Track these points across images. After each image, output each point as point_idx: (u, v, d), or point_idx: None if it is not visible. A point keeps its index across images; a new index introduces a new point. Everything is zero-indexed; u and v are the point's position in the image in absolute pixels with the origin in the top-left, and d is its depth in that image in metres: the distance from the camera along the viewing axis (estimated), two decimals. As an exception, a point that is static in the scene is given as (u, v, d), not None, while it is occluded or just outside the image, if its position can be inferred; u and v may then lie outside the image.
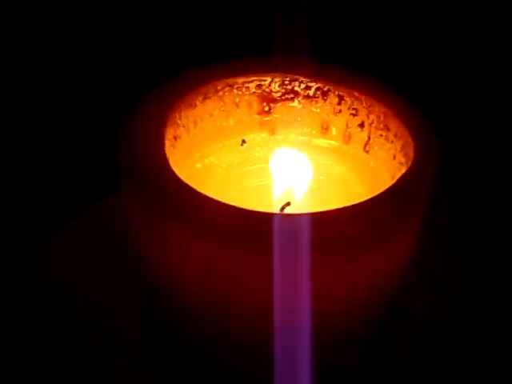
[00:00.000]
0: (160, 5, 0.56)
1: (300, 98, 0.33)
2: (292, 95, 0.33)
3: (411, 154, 0.28)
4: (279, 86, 0.33)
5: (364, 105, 0.32)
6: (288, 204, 0.30)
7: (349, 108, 0.32)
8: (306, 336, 0.25)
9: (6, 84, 0.53)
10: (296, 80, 0.32)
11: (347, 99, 0.32)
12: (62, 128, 0.53)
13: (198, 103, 0.31)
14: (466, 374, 0.36)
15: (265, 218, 0.24)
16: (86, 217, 0.44)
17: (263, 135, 0.34)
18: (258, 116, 0.33)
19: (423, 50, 0.57)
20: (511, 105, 0.54)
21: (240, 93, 0.32)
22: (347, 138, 0.33)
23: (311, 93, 0.33)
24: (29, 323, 0.38)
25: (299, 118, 0.33)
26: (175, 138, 0.30)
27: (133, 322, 0.36)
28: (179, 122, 0.30)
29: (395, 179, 0.27)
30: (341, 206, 0.25)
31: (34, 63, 0.54)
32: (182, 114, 0.30)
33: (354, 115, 0.32)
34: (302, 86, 0.33)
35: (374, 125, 0.31)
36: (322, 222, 0.24)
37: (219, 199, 0.24)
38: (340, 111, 0.32)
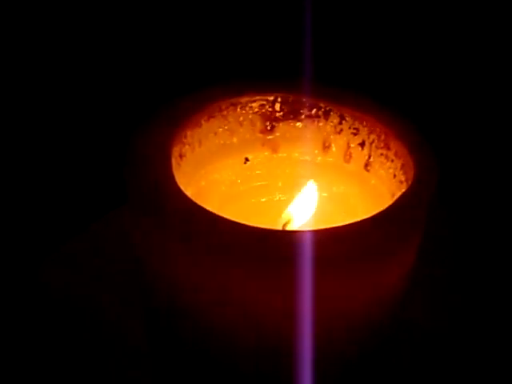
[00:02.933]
0: (168, 27, 0.57)
1: (302, 118, 0.33)
2: (294, 114, 0.33)
3: (411, 172, 0.29)
4: (282, 106, 0.33)
5: (365, 124, 0.32)
6: (290, 221, 0.31)
7: (350, 127, 0.33)
8: (309, 349, 0.25)
9: (17, 97, 0.54)
10: (298, 100, 0.33)
11: (348, 119, 0.33)
12: (71, 144, 0.53)
13: (202, 122, 0.32)
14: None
15: (270, 235, 0.24)
16: (93, 230, 0.44)
17: (266, 153, 0.34)
18: (260, 135, 0.34)
19: (422, 69, 0.58)
20: (508, 121, 0.55)
21: (244, 112, 0.33)
22: (348, 157, 0.33)
23: (313, 112, 0.33)
24: (33, 329, 0.38)
25: (301, 137, 0.34)
26: (181, 156, 0.31)
27: (135, 327, 0.37)
28: (185, 140, 0.31)
29: (395, 197, 0.28)
30: (342, 223, 0.26)
31: (44, 79, 0.55)
32: (188, 132, 0.31)
33: (355, 134, 0.33)
34: (305, 105, 0.33)
35: (374, 144, 0.32)
36: (324, 239, 0.25)
37: (225, 216, 0.25)
38: (341, 130, 0.33)
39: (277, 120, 0.34)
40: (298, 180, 0.34)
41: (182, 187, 0.27)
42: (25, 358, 0.37)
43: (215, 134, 0.33)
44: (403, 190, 0.28)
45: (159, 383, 0.34)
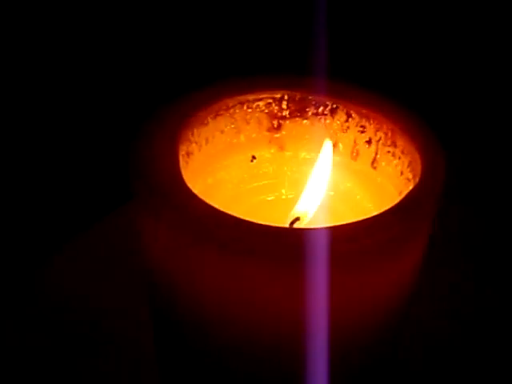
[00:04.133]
0: (176, 24, 0.57)
1: (309, 115, 0.33)
2: (301, 112, 0.33)
3: (418, 170, 0.29)
4: (288, 104, 0.33)
5: (371, 122, 0.32)
6: (298, 219, 0.31)
7: (357, 125, 0.33)
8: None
9: (20, 96, 0.54)
10: (305, 97, 0.33)
11: (355, 116, 0.33)
12: (74, 143, 0.53)
13: (209, 120, 0.32)
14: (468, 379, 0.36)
15: (279, 233, 0.24)
16: (96, 229, 0.44)
17: (272, 151, 0.34)
18: (267, 133, 0.34)
19: (430, 65, 0.57)
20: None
21: (250, 110, 0.33)
22: (355, 155, 0.33)
23: (320, 110, 0.33)
24: (34, 329, 0.38)
25: (307, 135, 0.34)
26: (188, 154, 0.31)
27: (137, 327, 0.37)
28: (192, 138, 0.31)
29: (403, 195, 0.28)
30: (349, 221, 0.26)
31: (48, 76, 0.55)
32: (195, 130, 0.31)
33: (362, 132, 0.33)
34: (311, 103, 0.33)
35: (381, 141, 0.32)
36: (332, 236, 0.25)
37: (233, 214, 0.25)
38: (348, 128, 0.33)
39: (283, 118, 0.34)
40: (304, 178, 0.34)
41: (190, 185, 0.27)
42: (25, 358, 0.37)
43: (222, 132, 0.33)
44: (410, 188, 0.28)
45: None
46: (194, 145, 0.31)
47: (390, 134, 0.31)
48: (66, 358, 0.37)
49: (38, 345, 0.37)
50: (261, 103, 0.33)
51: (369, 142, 0.33)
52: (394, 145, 0.31)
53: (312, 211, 0.31)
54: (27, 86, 0.55)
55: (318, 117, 0.33)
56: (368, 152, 0.33)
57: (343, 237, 0.25)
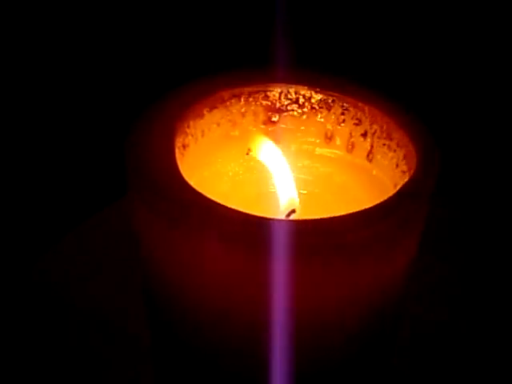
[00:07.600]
0: (171, 17, 0.57)
1: (304, 109, 0.34)
2: (297, 105, 0.34)
3: (413, 162, 0.29)
4: (284, 97, 0.33)
5: (367, 115, 0.32)
6: (293, 211, 0.31)
7: (352, 118, 0.33)
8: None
9: (17, 92, 0.54)
10: (301, 91, 0.33)
11: (351, 109, 0.33)
12: (71, 136, 0.53)
13: (205, 113, 0.32)
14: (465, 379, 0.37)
15: (271, 224, 0.24)
16: (92, 223, 0.44)
17: (268, 144, 0.34)
18: (263, 126, 0.34)
19: (425, 59, 0.58)
20: (509, 114, 0.55)
21: (246, 103, 0.33)
22: (350, 147, 0.34)
23: (315, 103, 0.33)
24: (32, 325, 0.38)
25: (303, 128, 0.34)
26: (184, 146, 0.31)
27: (134, 324, 0.37)
28: (188, 130, 0.31)
29: (398, 187, 0.28)
30: (344, 213, 0.26)
31: (46, 72, 0.55)
32: (191, 123, 0.31)
33: (358, 125, 0.33)
34: (307, 96, 0.33)
35: (376, 134, 0.32)
36: (325, 228, 0.25)
37: (229, 206, 0.25)
38: (344, 121, 0.33)
39: (279, 111, 0.34)
40: (300, 170, 0.34)
41: (186, 177, 0.27)
42: (23, 356, 0.37)
43: (218, 124, 0.33)
44: (405, 180, 0.28)
45: (160, 382, 0.35)
46: (190, 137, 0.31)
47: (385, 127, 0.32)
48: (61, 353, 0.37)
49: (36, 344, 0.37)
50: (257, 96, 0.33)
51: (364, 134, 0.33)
52: (389, 137, 0.32)
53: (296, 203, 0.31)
54: (22, 83, 0.55)
55: (314, 110, 0.33)
56: (363, 145, 0.33)
57: (333, 229, 0.25)
